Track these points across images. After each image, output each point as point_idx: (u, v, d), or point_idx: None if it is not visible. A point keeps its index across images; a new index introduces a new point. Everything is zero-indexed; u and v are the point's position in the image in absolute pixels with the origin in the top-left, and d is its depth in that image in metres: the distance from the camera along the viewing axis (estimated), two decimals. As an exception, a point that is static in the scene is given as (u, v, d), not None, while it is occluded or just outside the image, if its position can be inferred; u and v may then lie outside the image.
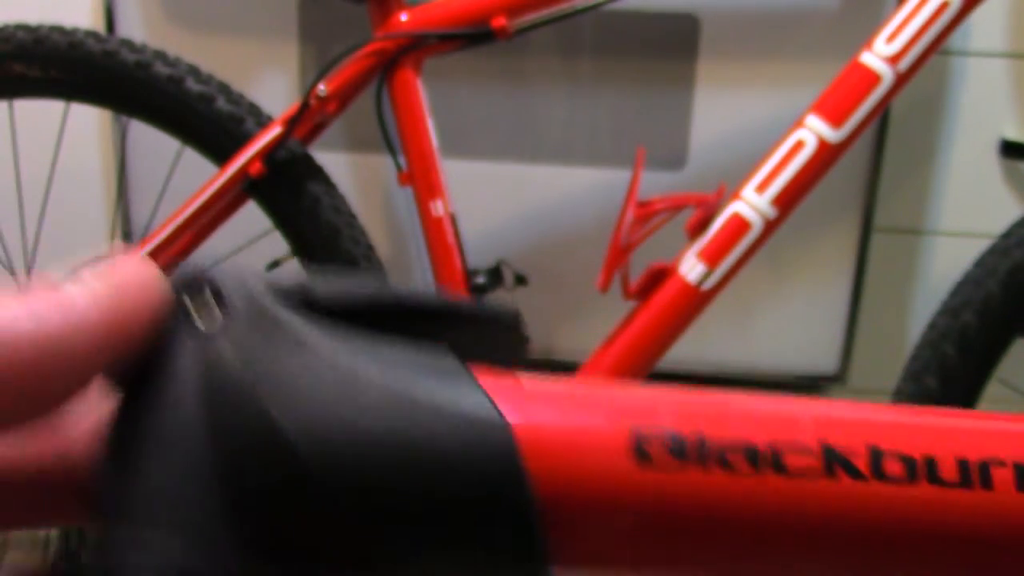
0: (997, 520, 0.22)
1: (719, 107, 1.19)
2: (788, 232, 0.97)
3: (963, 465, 0.22)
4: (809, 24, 1.16)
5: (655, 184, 1.15)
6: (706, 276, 0.94)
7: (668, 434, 0.22)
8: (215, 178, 1.02)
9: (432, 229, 1.02)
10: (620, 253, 0.92)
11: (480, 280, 1.04)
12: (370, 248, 1.06)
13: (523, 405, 0.22)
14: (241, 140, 1.02)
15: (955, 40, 1.13)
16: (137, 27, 1.22)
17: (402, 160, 1.03)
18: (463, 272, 1.02)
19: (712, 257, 0.94)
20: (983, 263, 0.97)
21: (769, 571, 0.23)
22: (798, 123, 0.94)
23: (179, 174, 1.16)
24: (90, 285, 0.21)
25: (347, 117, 1.04)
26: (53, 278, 0.21)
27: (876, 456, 0.22)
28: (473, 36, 0.98)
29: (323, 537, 0.21)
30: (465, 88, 1.22)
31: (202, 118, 1.03)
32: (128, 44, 1.04)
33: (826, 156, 0.93)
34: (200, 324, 0.22)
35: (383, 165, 1.23)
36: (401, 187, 1.03)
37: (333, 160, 1.11)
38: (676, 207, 0.96)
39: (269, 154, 1.01)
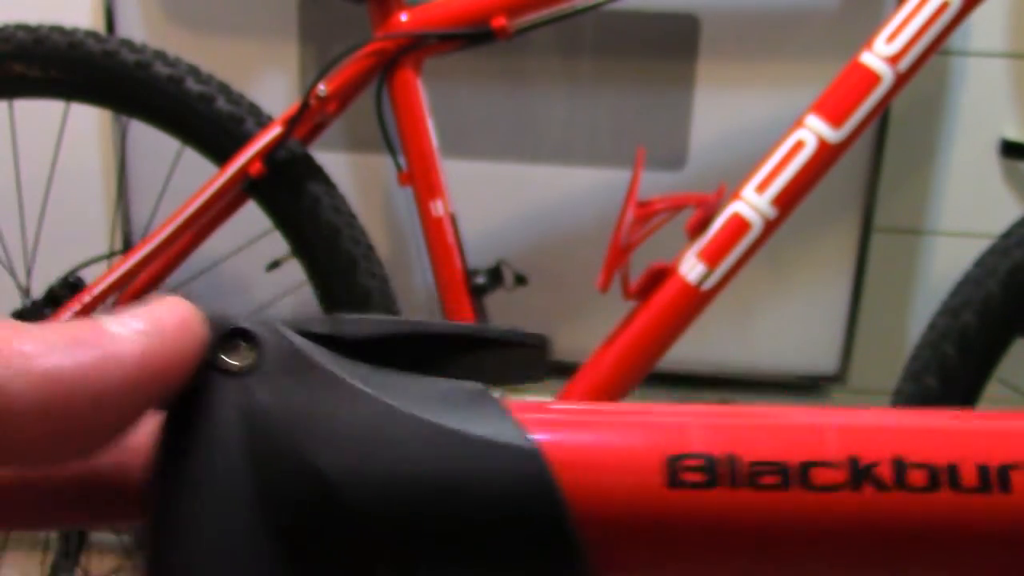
0: (1016, 523, 0.22)
1: (719, 107, 1.19)
2: (788, 232, 0.97)
3: (983, 470, 0.23)
4: (809, 24, 1.16)
5: (655, 184, 1.15)
6: (706, 276, 0.94)
7: (699, 455, 0.23)
8: (215, 178, 1.02)
9: (432, 229, 1.02)
10: (620, 253, 0.92)
11: (480, 280, 1.04)
12: (370, 248, 1.06)
13: (553, 430, 0.23)
14: (241, 140, 1.02)
15: (955, 40, 1.13)
16: (137, 27, 1.22)
17: (402, 160, 1.03)
18: (463, 272, 1.02)
19: (712, 257, 0.94)
20: (983, 263, 0.97)
21: None
22: (798, 123, 0.94)
23: (179, 174, 1.16)
24: (131, 326, 0.21)
25: (347, 117, 1.04)
26: (97, 319, 0.21)
27: (900, 467, 0.23)
28: (473, 36, 0.98)
29: (367, 571, 0.22)
30: (465, 88, 1.22)
31: (202, 118, 1.03)
32: (128, 44, 1.04)
33: (826, 156, 0.93)
34: (235, 367, 0.23)
35: (383, 165, 1.23)
36: (401, 187, 1.03)
37: (333, 160, 1.11)
38: (676, 207, 0.96)
39: (269, 154, 1.01)
